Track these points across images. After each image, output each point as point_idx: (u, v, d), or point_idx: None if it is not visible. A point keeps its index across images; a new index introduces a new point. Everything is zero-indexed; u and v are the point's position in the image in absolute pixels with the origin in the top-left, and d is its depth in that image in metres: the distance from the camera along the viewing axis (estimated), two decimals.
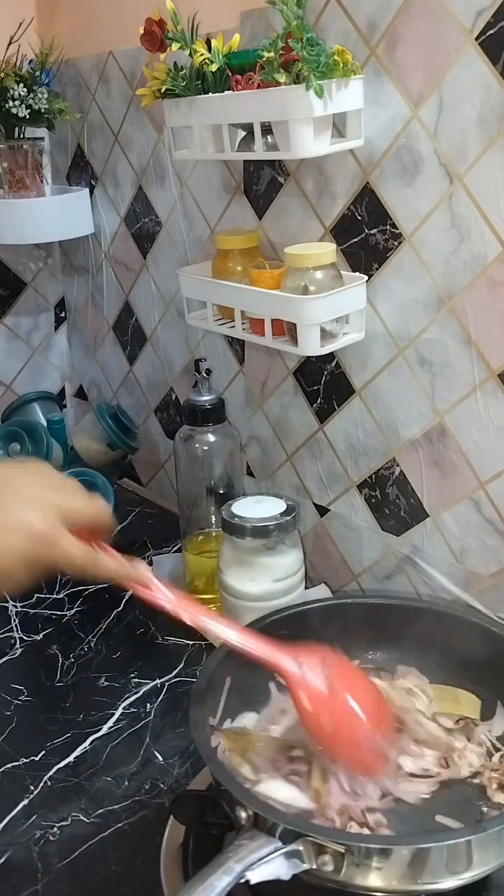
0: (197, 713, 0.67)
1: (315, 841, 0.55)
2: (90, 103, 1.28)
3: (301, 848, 0.55)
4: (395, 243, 0.88)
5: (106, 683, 0.95)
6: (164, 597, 0.67)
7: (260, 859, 0.54)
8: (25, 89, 1.18)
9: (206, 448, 1.04)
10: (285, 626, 0.81)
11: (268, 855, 0.54)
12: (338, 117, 0.85)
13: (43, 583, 1.15)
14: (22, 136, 1.24)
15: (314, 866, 0.55)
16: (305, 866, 0.55)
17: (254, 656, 0.67)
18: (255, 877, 0.53)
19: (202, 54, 0.88)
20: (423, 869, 0.55)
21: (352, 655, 0.81)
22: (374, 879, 0.55)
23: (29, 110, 1.19)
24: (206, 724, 0.67)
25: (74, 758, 0.85)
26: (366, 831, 0.64)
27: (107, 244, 1.35)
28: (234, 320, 0.98)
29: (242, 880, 0.53)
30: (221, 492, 1.06)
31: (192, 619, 0.67)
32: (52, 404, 1.39)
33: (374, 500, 1.01)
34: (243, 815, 0.58)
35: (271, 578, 0.92)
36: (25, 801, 0.80)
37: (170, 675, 0.96)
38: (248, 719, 0.77)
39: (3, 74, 1.18)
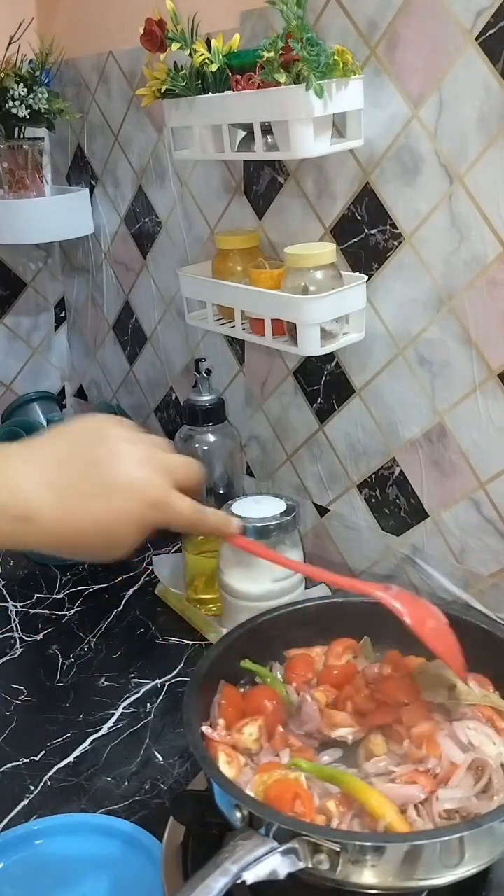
0: (190, 714, 0.67)
1: (310, 840, 0.55)
2: (90, 103, 1.28)
3: (297, 847, 0.55)
4: (395, 243, 0.88)
5: (106, 683, 0.95)
6: (258, 549, 0.72)
7: (256, 859, 0.54)
8: (25, 89, 1.18)
9: (206, 448, 1.04)
10: (284, 625, 0.81)
11: (263, 855, 0.54)
12: (338, 117, 0.85)
13: (42, 582, 1.15)
14: (22, 136, 1.24)
15: (310, 865, 0.55)
16: (301, 865, 0.55)
17: (351, 590, 0.69)
18: (251, 877, 0.53)
19: (202, 54, 0.88)
20: (418, 865, 0.55)
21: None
22: (369, 877, 0.55)
23: (29, 110, 1.19)
24: (199, 726, 0.67)
25: (74, 758, 0.85)
26: None
27: (107, 244, 1.35)
28: (234, 320, 0.98)
29: (239, 881, 0.53)
30: (221, 492, 1.06)
31: (286, 565, 0.73)
32: (52, 404, 1.39)
33: (374, 500, 1.01)
34: (238, 815, 0.58)
35: (271, 578, 0.92)
36: (25, 801, 0.80)
37: (170, 675, 0.96)
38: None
39: (3, 74, 1.18)
